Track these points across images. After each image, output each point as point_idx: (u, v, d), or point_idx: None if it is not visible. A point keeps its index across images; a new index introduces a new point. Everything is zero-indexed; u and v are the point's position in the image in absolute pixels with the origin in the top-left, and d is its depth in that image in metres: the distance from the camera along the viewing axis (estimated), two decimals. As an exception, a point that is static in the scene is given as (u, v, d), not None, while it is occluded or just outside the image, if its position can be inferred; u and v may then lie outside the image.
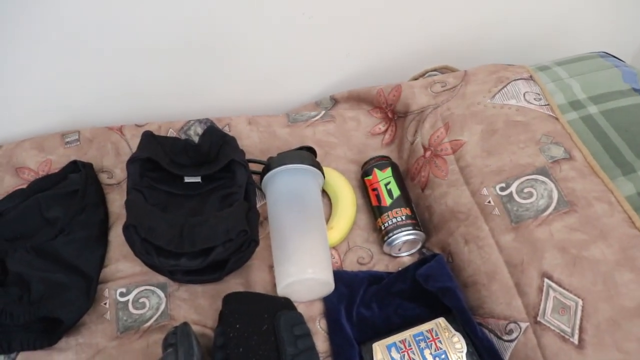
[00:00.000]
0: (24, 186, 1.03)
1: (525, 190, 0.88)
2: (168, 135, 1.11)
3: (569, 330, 0.77)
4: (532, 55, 1.21)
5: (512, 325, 0.82)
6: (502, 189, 0.90)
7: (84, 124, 1.15)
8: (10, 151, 1.09)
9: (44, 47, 1.02)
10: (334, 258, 0.98)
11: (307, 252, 0.90)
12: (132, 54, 1.09)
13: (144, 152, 0.97)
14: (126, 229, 0.88)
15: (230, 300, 0.87)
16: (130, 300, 0.92)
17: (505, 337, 0.82)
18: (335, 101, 1.21)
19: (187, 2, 1.03)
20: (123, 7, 1.00)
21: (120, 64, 1.10)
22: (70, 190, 1.01)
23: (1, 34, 0.98)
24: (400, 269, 0.96)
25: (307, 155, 1.01)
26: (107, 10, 1.00)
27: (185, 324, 0.82)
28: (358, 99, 1.19)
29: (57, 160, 1.09)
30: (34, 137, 1.12)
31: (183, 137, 1.11)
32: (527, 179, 0.89)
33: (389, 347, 0.85)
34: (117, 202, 1.04)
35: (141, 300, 0.92)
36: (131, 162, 0.96)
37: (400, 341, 0.85)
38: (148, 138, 1.00)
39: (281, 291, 0.89)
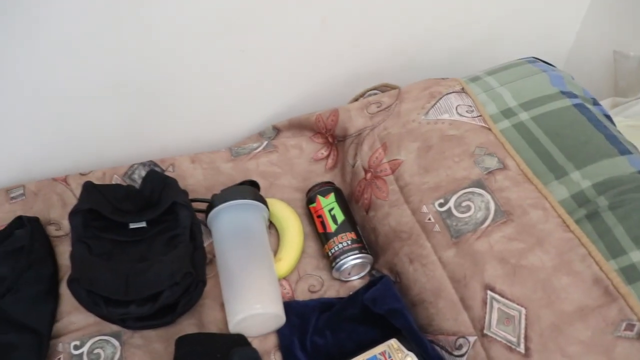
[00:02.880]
0: None
1: (463, 204, 0.90)
2: (113, 181, 1.11)
3: (515, 340, 0.78)
4: (467, 65, 1.23)
5: (461, 340, 0.83)
6: (440, 205, 0.91)
7: (28, 177, 1.15)
8: None
9: None
10: (285, 289, 0.98)
11: (254, 288, 0.91)
12: (72, 102, 1.09)
13: (86, 203, 0.96)
14: (70, 282, 0.88)
15: (183, 343, 0.87)
16: (85, 353, 0.90)
17: (456, 353, 0.83)
18: (277, 130, 1.22)
19: (121, 47, 1.03)
20: (60, 56, 1.00)
21: (61, 114, 1.10)
22: (16, 247, 0.99)
23: None
24: (351, 293, 0.96)
25: (249, 189, 1.02)
26: (44, 59, 1.00)
27: None
28: (299, 126, 1.19)
29: (3, 217, 1.07)
30: (-22, 195, 1.11)
31: (127, 181, 1.11)
32: (464, 193, 0.91)
33: None
34: (66, 254, 1.01)
35: (96, 351, 0.91)
36: (73, 214, 0.95)
37: None
38: (89, 188, 0.99)
39: (233, 328, 0.89)
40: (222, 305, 0.94)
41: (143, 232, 0.99)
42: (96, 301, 0.88)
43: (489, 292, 0.82)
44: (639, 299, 0.75)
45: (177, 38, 1.06)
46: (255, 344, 0.90)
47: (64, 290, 0.97)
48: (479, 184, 0.90)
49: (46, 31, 0.95)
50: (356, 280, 1.00)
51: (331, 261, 0.98)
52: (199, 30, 1.07)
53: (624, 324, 0.74)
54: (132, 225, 0.99)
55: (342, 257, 0.96)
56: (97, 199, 0.98)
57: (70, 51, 1.00)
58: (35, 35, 0.95)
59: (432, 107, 1.03)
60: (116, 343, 0.92)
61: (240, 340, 0.89)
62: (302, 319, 0.92)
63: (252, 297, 0.89)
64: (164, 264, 0.90)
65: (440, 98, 1.04)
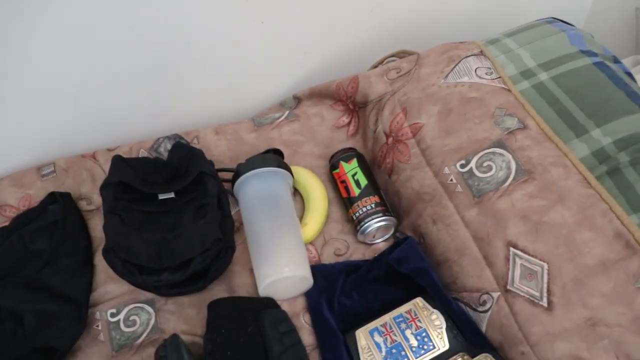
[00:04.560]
0: (7, 224, 1.06)
1: (485, 164, 0.91)
2: (139, 155, 1.13)
3: (537, 294, 0.80)
4: (486, 28, 1.23)
5: (485, 297, 0.85)
6: (462, 166, 0.93)
7: (57, 154, 1.18)
8: None
9: (10, 83, 1.05)
10: (311, 253, 1.01)
11: (282, 252, 0.93)
12: (97, 78, 1.11)
13: (116, 176, 0.99)
14: (106, 252, 0.91)
15: (215, 307, 0.90)
16: (122, 320, 0.95)
17: (480, 309, 0.85)
18: (298, 100, 1.24)
19: (143, 23, 1.05)
20: (85, 35, 1.03)
21: (87, 91, 1.13)
22: (51, 222, 1.03)
23: None
24: (376, 255, 0.99)
25: (273, 157, 1.04)
26: (70, 39, 1.02)
27: (175, 336, 0.86)
28: (320, 94, 1.21)
29: (36, 193, 1.11)
30: (11, 174, 1.15)
31: (154, 155, 1.13)
32: (485, 153, 0.92)
33: (371, 333, 0.88)
34: (98, 227, 1.06)
35: (132, 318, 0.95)
36: (104, 187, 0.98)
37: (381, 325, 0.88)
38: (118, 162, 1.02)
39: (262, 292, 0.92)
40: (251, 271, 0.97)
41: (172, 203, 1.02)
42: (131, 270, 0.91)
43: (511, 248, 0.83)
44: (660, 250, 0.76)
45: (198, 11, 1.08)
46: (284, 306, 0.93)
47: (98, 261, 1.01)
48: (499, 144, 0.91)
49: (71, 7, 0.97)
50: (381, 243, 1.02)
51: (356, 224, 1.00)
52: (218, 2, 1.08)
53: (645, 276, 0.75)
54: (161, 196, 1.02)
55: (366, 220, 0.98)
56: (126, 172, 1.01)
57: (93, 27, 1.02)
58: (60, 11, 0.97)
59: (452, 70, 1.04)
60: (150, 310, 0.96)
61: (269, 303, 0.92)
62: (329, 281, 0.95)
63: (280, 260, 0.92)
64: (194, 231, 0.93)
65: (459, 61, 1.05)
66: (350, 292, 0.94)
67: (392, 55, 1.22)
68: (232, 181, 1.03)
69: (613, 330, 0.74)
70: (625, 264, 0.76)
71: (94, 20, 1.01)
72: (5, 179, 1.14)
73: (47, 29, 0.99)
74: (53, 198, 1.08)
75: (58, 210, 1.05)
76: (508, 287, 0.82)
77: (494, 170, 0.90)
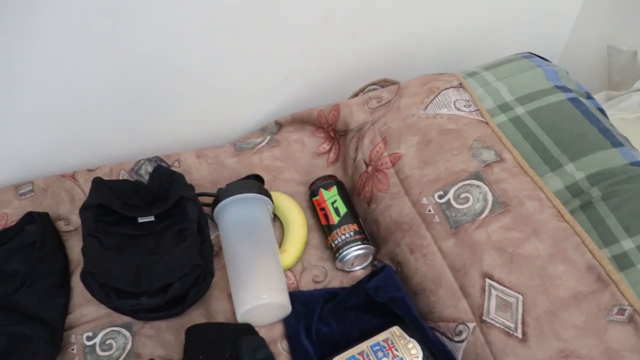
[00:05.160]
0: None
1: (462, 195, 0.93)
2: (120, 177, 1.13)
3: (512, 325, 0.81)
4: (465, 60, 1.26)
5: (461, 327, 0.86)
6: (440, 197, 0.94)
7: (36, 174, 1.17)
8: None
9: None
10: (290, 279, 1.01)
11: (261, 278, 0.94)
12: (79, 99, 1.11)
13: (96, 198, 0.99)
14: (83, 276, 0.91)
15: (192, 332, 0.90)
16: (97, 343, 0.94)
17: (456, 338, 0.86)
18: (280, 125, 1.24)
19: (125, 45, 1.05)
20: (68, 55, 1.03)
21: (67, 111, 1.12)
22: (28, 242, 1.02)
23: None
24: (354, 283, 0.99)
25: (254, 183, 1.04)
26: (52, 59, 1.02)
27: None
28: (301, 121, 1.22)
29: (14, 212, 1.10)
30: (-12, 191, 1.13)
31: (134, 177, 1.13)
32: (463, 185, 0.94)
33: None
34: (76, 248, 1.05)
35: (108, 342, 0.94)
36: (83, 209, 0.98)
37: (358, 353, 0.88)
38: (98, 184, 1.02)
39: (240, 318, 0.92)
40: (229, 296, 0.97)
41: (152, 226, 1.01)
42: (108, 293, 0.91)
43: (487, 280, 0.85)
44: (629, 285, 0.78)
45: (181, 35, 1.08)
46: (262, 332, 0.93)
47: (75, 283, 1.00)
48: (476, 176, 0.93)
49: (50, 27, 0.97)
50: (359, 271, 1.03)
51: (334, 252, 1.01)
52: (202, 28, 1.09)
53: (615, 309, 0.77)
54: (141, 220, 1.01)
55: (345, 248, 0.99)
56: (107, 194, 1.01)
57: (74, 48, 1.02)
58: (40, 30, 0.97)
59: (431, 101, 1.06)
60: (127, 334, 0.95)
61: (247, 330, 0.92)
62: (308, 308, 0.95)
63: (259, 287, 0.92)
64: (174, 256, 0.93)
65: (439, 93, 1.07)
66: (328, 320, 0.95)
67: (374, 84, 1.23)
68: (212, 206, 1.03)
69: (585, 363, 0.76)
70: (596, 296, 0.78)
71: (78, 41, 1.01)
72: None
73: (33, 46, 0.99)
74: (31, 218, 1.06)
75: (36, 230, 1.04)
76: (484, 317, 0.83)
77: (471, 202, 0.92)
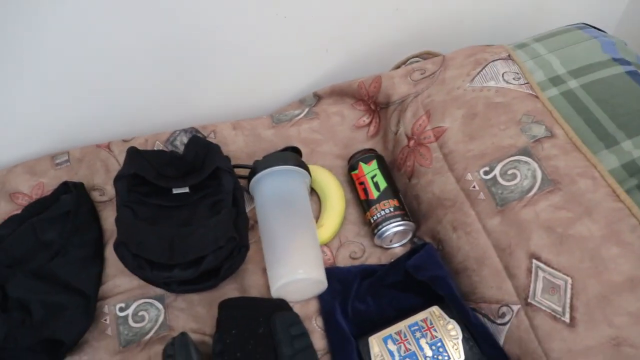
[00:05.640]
0: (19, 211, 1.06)
1: (509, 172, 0.89)
2: (155, 147, 1.13)
3: (560, 309, 0.77)
4: (514, 32, 1.21)
5: (504, 309, 0.83)
6: (485, 173, 0.91)
7: (72, 144, 1.18)
8: (3, 177, 1.13)
9: (28, 71, 1.05)
10: (326, 255, 0.99)
11: (297, 253, 0.92)
12: (115, 69, 1.11)
13: (130, 168, 0.99)
14: (117, 246, 0.91)
15: (226, 306, 0.89)
16: (130, 315, 0.94)
17: (499, 321, 0.83)
18: (318, 97, 1.23)
19: (162, 14, 1.05)
20: (104, 24, 1.02)
21: (104, 81, 1.13)
22: (63, 212, 1.03)
23: None
24: (392, 260, 0.97)
25: (291, 156, 1.03)
26: (89, 28, 1.02)
27: (183, 334, 0.85)
28: (341, 93, 1.20)
29: (49, 182, 1.11)
30: (25, 161, 1.15)
31: (169, 148, 1.13)
32: (510, 161, 0.90)
33: (385, 340, 0.86)
34: (110, 219, 1.06)
35: (140, 313, 0.95)
36: (118, 179, 0.98)
37: (396, 333, 0.87)
38: (133, 154, 1.01)
39: (275, 293, 0.91)
40: (263, 271, 0.96)
41: (186, 197, 1.01)
42: (141, 264, 0.91)
43: (534, 260, 0.81)
44: (691, 270, 0.74)
45: (220, 4, 1.07)
46: (296, 308, 0.92)
47: (109, 254, 1.01)
48: (525, 152, 0.89)
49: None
50: (398, 248, 1.01)
51: (373, 228, 0.99)
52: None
53: (674, 295, 0.73)
54: (176, 191, 1.01)
55: (384, 224, 0.97)
56: (141, 164, 1.01)
57: (111, 16, 1.02)
58: (79, 3, 0.97)
59: (478, 74, 1.02)
60: (160, 306, 0.95)
61: (282, 305, 0.91)
62: (344, 285, 0.94)
63: (294, 262, 0.91)
64: (208, 228, 0.92)
65: (486, 65, 1.03)
66: (365, 297, 0.93)
67: (416, 56, 1.20)
68: (248, 178, 1.02)
69: (639, 352, 0.71)
70: (654, 282, 0.74)
71: (114, 9, 1.00)
72: (19, 166, 1.14)
73: (67, 17, 0.99)
74: (66, 187, 1.08)
75: (70, 200, 1.05)
76: (529, 300, 0.80)
77: (518, 178, 0.88)
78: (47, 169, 1.14)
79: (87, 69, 1.09)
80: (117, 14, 1.01)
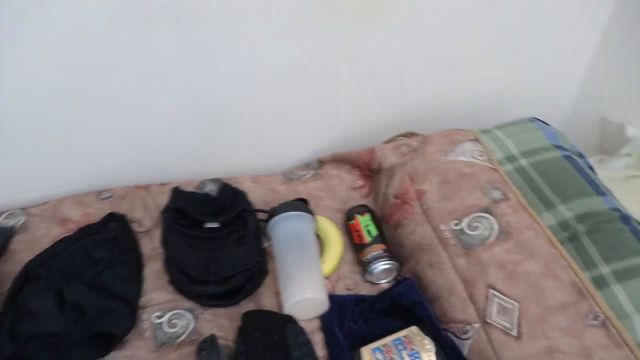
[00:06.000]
0: (69, 234, 1.23)
1: (473, 224, 1.14)
2: (187, 192, 1.34)
3: (509, 326, 1.00)
4: (479, 120, 1.48)
5: (467, 327, 1.04)
6: (455, 225, 1.15)
7: (114, 184, 1.38)
8: (55, 206, 1.31)
9: (83, 117, 1.26)
10: (327, 285, 1.19)
11: (306, 278, 1.13)
12: (158, 122, 1.33)
13: (174, 202, 1.20)
14: (167, 261, 1.11)
15: (249, 315, 1.09)
16: (165, 322, 1.10)
17: (463, 337, 1.04)
18: (321, 163, 1.47)
19: (202, 85, 1.29)
20: (152, 85, 1.25)
21: (147, 132, 1.34)
22: (110, 236, 1.21)
23: (47, 109, 1.22)
24: (379, 292, 1.19)
25: (302, 204, 1.25)
26: (140, 85, 1.24)
27: (213, 335, 1.03)
28: (340, 160, 1.44)
29: (95, 213, 1.29)
30: (73, 195, 1.34)
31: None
32: (474, 216, 1.15)
33: (374, 351, 1.05)
34: (147, 247, 1.24)
35: (173, 321, 1.10)
36: (165, 211, 1.19)
37: (382, 345, 1.05)
38: (177, 192, 1.24)
39: (287, 310, 1.10)
40: (276, 294, 1.15)
41: (216, 231, 1.21)
42: (182, 279, 1.10)
43: (490, 290, 1.04)
44: (603, 299, 0.99)
45: (247, 83, 1.32)
46: (302, 324, 1.09)
47: (146, 273, 1.18)
48: (486, 209, 1.15)
49: (144, 56, 1.19)
50: (384, 284, 1.21)
51: (365, 266, 1.20)
52: (265, 77, 1.33)
53: (591, 316, 0.98)
54: (208, 225, 1.21)
55: (374, 263, 1.19)
56: (183, 201, 1.22)
57: (156, 73, 1.23)
58: (134, 60, 1.19)
59: (451, 150, 1.29)
60: (190, 316, 1.11)
61: (291, 319, 1.10)
62: (342, 308, 1.13)
63: (305, 284, 1.11)
64: (239, 253, 1.13)
65: (458, 144, 1.31)
66: (358, 320, 1.12)
67: (401, 135, 1.47)
68: (267, 220, 1.23)
69: (566, 357, 0.95)
70: (577, 306, 0.99)
71: (158, 67, 1.22)
72: (68, 198, 1.33)
73: (125, 72, 1.21)
74: (112, 217, 1.26)
75: (116, 227, 1.23)
76: (487, 319, 1.02)
77: (480, 229, 1.12)
78: (93, 202, 1.32)
79: (132, 117, 1.29)
80: (162, 70, 1.23)
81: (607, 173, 1.41)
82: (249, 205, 1.24)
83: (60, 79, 1.18)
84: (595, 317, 0.98)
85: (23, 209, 1.30)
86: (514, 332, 1.00)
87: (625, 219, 1.12)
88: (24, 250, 1.22)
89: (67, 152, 1.32)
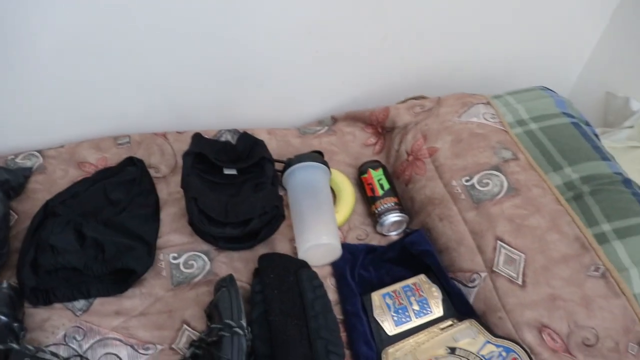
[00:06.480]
0: (87, 176, 1.27)
1: (484, 181, 1.19)
2: (205, 140, 1.37)
3: (515, 275, 1.06)
4: (491, 87, 1.52)
5: (474, 276, 1.10)
6: (467, 181, 1.20)
7: (132, 131, 1.41)
8: (72, 149, 1.34)
9: (105, 62, 1.28)
10: (339, 235, 1.24)
11: (321, 224, 1.17)
12: (178, 72, 1.35)
13: (195, 147, 1.24)
14: (188, 201, 1.14)
15: (266, 258, 1.13)
16: (181, 263, 1.14)
17: (470, 285, 1.10)
18: (334, 120, 1.51)
19: (228, 37, 1.32)
20: (177, 33, 1.27)
21: (168, 81, 1.36)
22: (128, 179, 1.25)
23: (70, 53, 1.24)
24: (389, 243, 1.24)
25: (318, 156, 1.29)
26: (164, 33, 1.26)
27: (231, 274, 1.07)
28: (354, 118, 1.49)
29: (111, 157, 1.33)
30: (91, 139, 1.37)
31: (220, 140, 1.37)
32: (485, 173, 1.20)
33: (384, 296, 1.10)
34: (163, 192, 1.27)
35: (190, 262, 1.14)
36: (186, 154, 1.22)
37: (392, 291, 1.11)
38: (198, 137, 1.27)
39: (301, 255, 1.14)
40: (290, 241, 1.20)
41: (234, 178, 1.25)
42: (202, 219, 1.14)
43: (498, 241, 1.10)
44: (604, 253, 1.05)
45: (268, 41, 1.36)
46: (314, 269, 1.13)
47: (163, 216, 1.22)
48: (496, 168, 1.20)
49: (170, 4, 1.21)
50: (394, 236, 1.26)
51: (377, 217, 1.25)
52: (285, 35, 1.36)
53: (592, 267, 1.04)
54: (226, 171, 1.25)
55: (386, 214, 1.23)
56: (203, 146, 1.25)
57: (184, 27, 1.27)
58: (161, 6, 1.21)
59: (464, 112, 1.34)
60: (206, 258, 1.15)
61: (305, 264, 1.14)
62: (353, 256, 1.18)
63: (320, 230, 1.15)
64: (257, 198, 1.17)
65: (471, 106, 1.36)
66: (368, 267, 1.17)
67: (413, 98, 1.51)
68: (283, 170, 1.27)
69: (567, 304, 1.01)
70: (580, 258, 1.05)
71: (183, 17, 1.24)
72: (86, 142, 1.35)
73: (138, 23, 1.23)
74: (131, 161, 1.29)
75: (134, 171, 1.27)
76: (493, 268, 1.08)
77: (490, 186, 1.18)
78: (110, 146, 1.35)
79: (152, 68, 1.32)
80: (188, 33, 1.28)
81: (609, 143, 1.47)
82: (267, 153, 1.28)
83: (86, 22, 1.19)
84: (596, 269, 1.04)
85: (39, 151, 1.33)
86: (519, 281, 1.05)
87: (627, 182, 1.18)
88: (42, 190, 1.25)
89: (88, 96, 1.34)
